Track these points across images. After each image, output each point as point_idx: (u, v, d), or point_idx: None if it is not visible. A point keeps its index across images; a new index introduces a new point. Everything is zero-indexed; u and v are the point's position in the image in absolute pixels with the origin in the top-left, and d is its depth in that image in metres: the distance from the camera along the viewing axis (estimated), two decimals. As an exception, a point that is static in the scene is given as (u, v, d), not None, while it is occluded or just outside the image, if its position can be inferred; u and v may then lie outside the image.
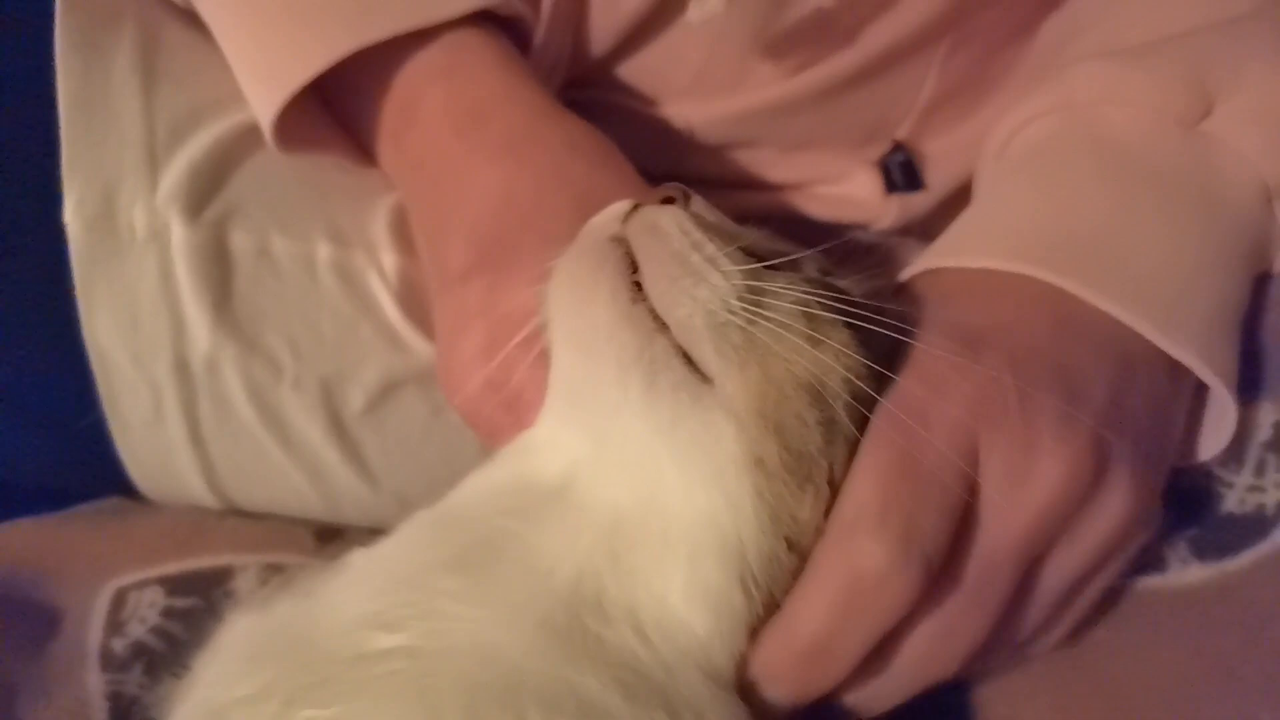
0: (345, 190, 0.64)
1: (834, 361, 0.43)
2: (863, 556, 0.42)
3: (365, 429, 0.63)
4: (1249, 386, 0.55)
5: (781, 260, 0.47)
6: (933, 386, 0.45)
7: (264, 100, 0.57)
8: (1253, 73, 0.56)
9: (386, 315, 0.62)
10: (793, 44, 0.66)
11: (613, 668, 0.41)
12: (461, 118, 0.58)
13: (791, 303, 0.44)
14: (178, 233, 0.59)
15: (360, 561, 0.46)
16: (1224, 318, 0.53)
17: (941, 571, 0.43)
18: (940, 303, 0.51)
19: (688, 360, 0.43)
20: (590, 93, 0.71)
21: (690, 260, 0.43)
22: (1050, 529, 0.46)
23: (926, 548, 0.42)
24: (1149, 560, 0.53)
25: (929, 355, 0.46)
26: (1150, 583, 0.53)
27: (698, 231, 0.45)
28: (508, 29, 0.62)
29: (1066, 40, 0.67)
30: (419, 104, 0.59)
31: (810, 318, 0.44)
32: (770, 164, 0.74)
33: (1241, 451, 0.54)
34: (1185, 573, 0.53)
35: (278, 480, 0.63)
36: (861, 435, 0.44)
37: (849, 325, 0.45)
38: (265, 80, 0.57)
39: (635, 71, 0.70)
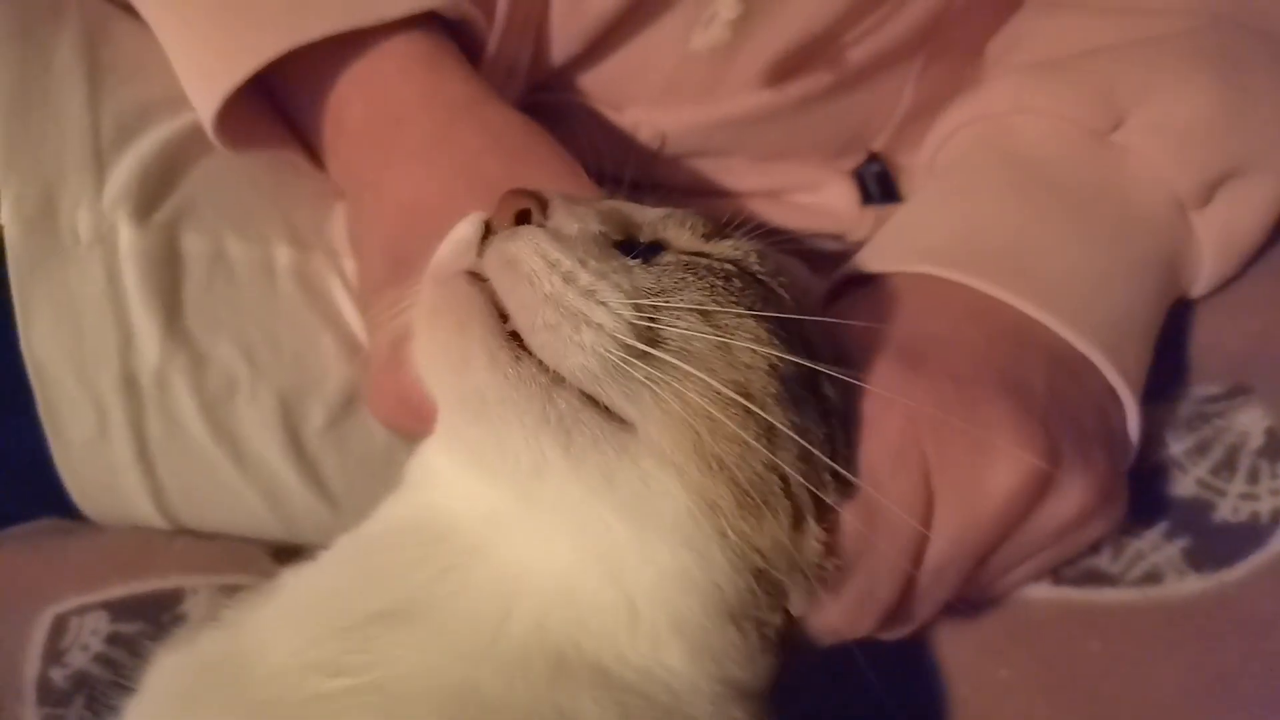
0: (304, 192, 0.61)
1: (751, 361, 0.40)
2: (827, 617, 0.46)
3: (325, 447, 0.60)
4: (1236, 392, 0.54)
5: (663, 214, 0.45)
6: (878, 411, 0.46)
7: (203, 100, 0.55)
8: (1164, 87, 0.57)
9: (349, 324, 0.60)
10: (790, 69, 0.65)
11: (612, 692, 0.39)
12: (380, 127, 0.56)
13: (688, 311, 0.40)
14: (126, 236, 0.56)
15: (289, 591, 0.44)
16: (1131, 316, 0.54)
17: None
18: (877, 317, 0.51)
19: (599, 407, 0.39)
20: (558, 96, 0.69)
21: (565, 301, 0.38)
22: (1000, 533, 0.47)
23: (881, 606, 0.46)
24: (1148, 573, 0.52)
25: (874, 381, 0.46)
26: (1146, 595, 0.52)
27: (567, 258, 0.39)
28: (458, 33, 0.60)
29: (1000, 57, 0.67)
30: (344, 115, 0.57)
31: (710, 318, 0.40)
32: (744, 173, 0.73)
33: (1234, 459, 0.53)
34: (1181, 584, 0.51)
35: (231, 501, 0.60)
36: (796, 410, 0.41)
37: (751, 308, 0.41)
38: (204, 79, 0.55)
39: (604, 77, 0.69)
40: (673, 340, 0.39)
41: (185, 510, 0.60)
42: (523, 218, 0.41)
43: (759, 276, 0.43)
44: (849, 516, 0.44)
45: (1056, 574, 0.53)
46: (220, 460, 0.58)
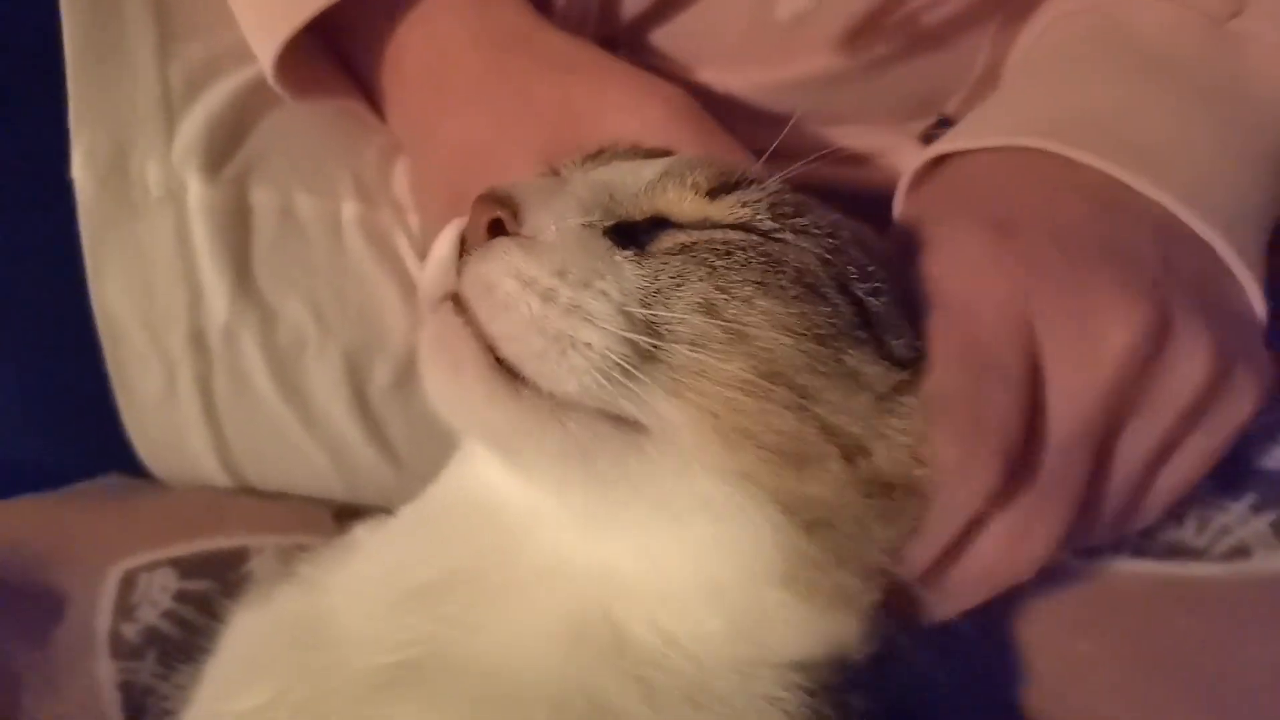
0: (370, 145, 0.61)
1: (769, 343, 0.37)
2: (941, 457, 0.40)
3: (390, 406, 0.60)
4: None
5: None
6: (971, 274, 0.43)
7: (263, 46, 0.54)
8: None
9: (415, 279, 0.59)
10: (865, 32, 0.63)
11: (637, 666, 0.38)
12: (433, 70, 0.55)
13: (688, 305, 0.37)
14: (195, 191, 0.56)
15: (362, 555, 0.44)
16: (1246, 205, 0.50)
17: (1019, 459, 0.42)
18: (965, 192, 0.49)
19: (613, 418, 0.37)
20: (625, 55, 0.68)
21: (548, 324, 0.36)
22: (1121, 398, 0.43)
23: (1001, 437, 0.41)
24: (1235, 548, 0.50)
25: (961, 244, 0.44)
26: (1235, 570, 0.50)
27: (544, 273, 0.36)
28: None
29: None
30: (401, 61, 0.56)
31: (715, 310, 0.37)
32: (814, 135, 0.71)
33: None
34: (1271, 559, 0.50)
35: (296, 459, 0.60)
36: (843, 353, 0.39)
37: (761, 282, 0.38)
38: (265, 25, 0.54)
39: (674, 36, 0.67)
40: (679, 341, 0.37)
41: (250, 468, 0.60)
42: (496, 227, 0.38)
43: (773, 235, 0.40)
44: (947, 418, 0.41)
45: (1139, 547, 0.51)
46: (287, 418, 0.58)
